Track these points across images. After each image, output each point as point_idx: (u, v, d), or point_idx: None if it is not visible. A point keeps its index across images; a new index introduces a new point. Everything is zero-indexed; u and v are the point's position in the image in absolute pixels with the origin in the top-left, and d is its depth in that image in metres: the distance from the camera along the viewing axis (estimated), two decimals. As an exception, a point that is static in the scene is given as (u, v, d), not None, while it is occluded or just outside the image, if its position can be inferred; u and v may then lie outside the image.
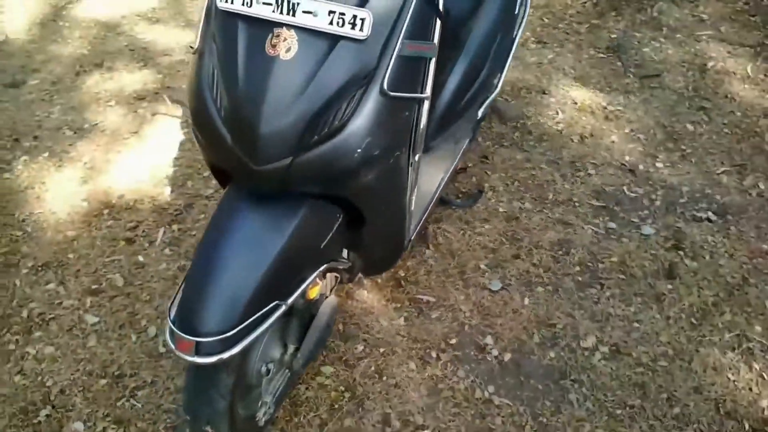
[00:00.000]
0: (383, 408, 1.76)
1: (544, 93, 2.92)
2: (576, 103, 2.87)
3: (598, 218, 2.34)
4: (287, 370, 1.64)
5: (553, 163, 2.57)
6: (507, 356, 1.90)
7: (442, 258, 2.17)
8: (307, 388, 1.79)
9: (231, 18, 1.29)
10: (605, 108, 2.84)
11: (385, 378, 1.83)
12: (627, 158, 2.60)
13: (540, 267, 2.15)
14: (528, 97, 2.90)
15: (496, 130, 2.70)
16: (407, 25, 1.28)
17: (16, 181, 2.41)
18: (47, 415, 1.72)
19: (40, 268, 2.10)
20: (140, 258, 2.14)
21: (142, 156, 2.53)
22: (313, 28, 1.24)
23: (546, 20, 3.41)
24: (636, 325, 1.99)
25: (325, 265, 1.50)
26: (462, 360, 1.89)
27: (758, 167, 2.58)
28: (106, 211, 2.30)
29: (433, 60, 1.38)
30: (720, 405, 1.81)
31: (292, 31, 1.25)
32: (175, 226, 2.25)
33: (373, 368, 1.85)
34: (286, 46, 1.25)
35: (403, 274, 2.10)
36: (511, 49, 2.24)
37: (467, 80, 1.95)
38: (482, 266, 2.14)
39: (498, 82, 2.20)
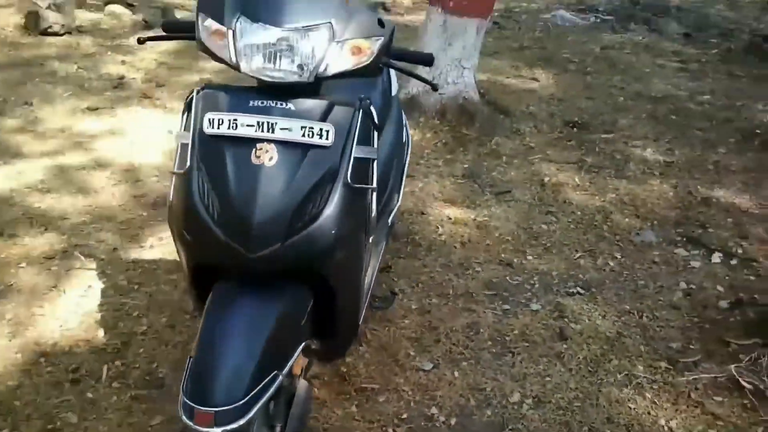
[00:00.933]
0: (358, 481, 1.94)
1: (422, 213, 3.40)
2: (450, 218, 3.37)
3: (494, 303, 2.76)
4: None
5: (445, 266, 2.99)
6: (453, 420, 2.17)
7: (376, 352, 2.44)
8: (284, 478, 1.92)
9: (217, 140, 1.61)
10: (474, 219, 3.37)
11: (353, 456, 2.02)
12: (503, 255, 3.10)
13: (459, 346, 2.49)
14: (411, 218, 3.36)
15: (393, 246, 3.10)
16: (357, 134, 1.67)
17: (-66, 347, 2.38)
18: None
19: (-14, 419, 2.08)
20: (89, 395, 2.20)
21: (66, 307, 2.61)
22: (289, 140, 1.59)
23: (409, 159, 3.98)
24: (548, 378, 2.36)
25: (304, 342, 1.74)
26: (416, 430, 2.12)
27: (604, 250, 3.17)
28: (42, 359, 2.34)
29: (375, 161, 1.77)
30: (630, 429, 2.18)
31: (272, 145, 1.59)
32: (117, 362, 2.34)
33: (340, 450, 2.03)
34: (269, 156, 1.58)
35: (345, 370, 2.34)
36: (404, 171, 2.71)
37: (379, 192, 2.35)
38: (411, 353, 2.44)
39: (398, 198, 2.63)
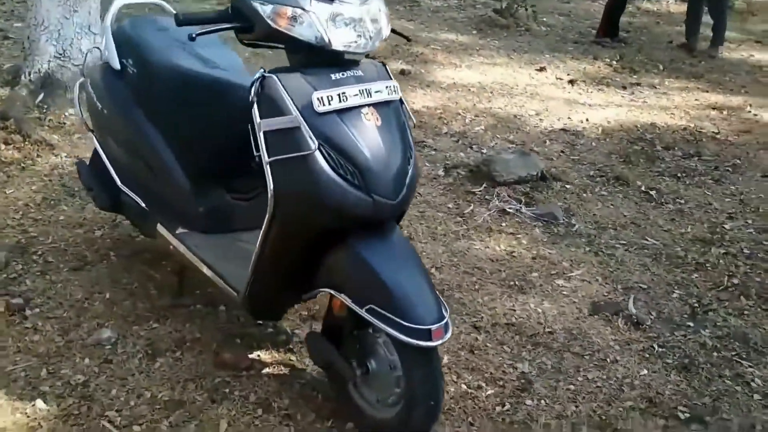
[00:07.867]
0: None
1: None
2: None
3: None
4: None
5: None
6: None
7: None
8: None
9: (329, 115, 1.84)
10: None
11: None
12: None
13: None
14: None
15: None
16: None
17: None
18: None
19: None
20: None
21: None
22: (380, 100, 1.95)
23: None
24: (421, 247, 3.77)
25: None
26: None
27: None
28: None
29: None
30: (467, 253, 3.79)
31: (372, 108, 1.92)
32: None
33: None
34: (375, 117, 1.92)
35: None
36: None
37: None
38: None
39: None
